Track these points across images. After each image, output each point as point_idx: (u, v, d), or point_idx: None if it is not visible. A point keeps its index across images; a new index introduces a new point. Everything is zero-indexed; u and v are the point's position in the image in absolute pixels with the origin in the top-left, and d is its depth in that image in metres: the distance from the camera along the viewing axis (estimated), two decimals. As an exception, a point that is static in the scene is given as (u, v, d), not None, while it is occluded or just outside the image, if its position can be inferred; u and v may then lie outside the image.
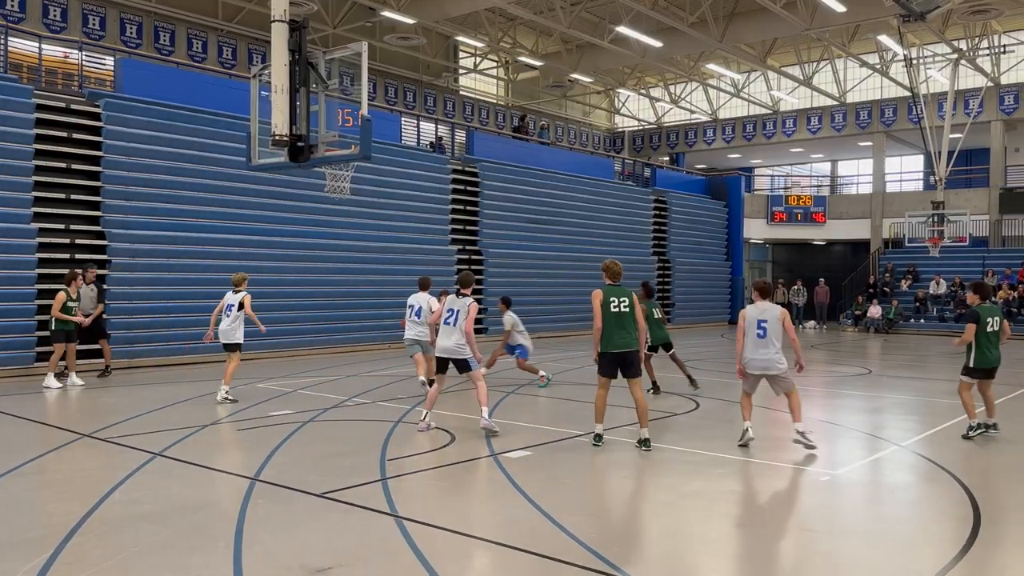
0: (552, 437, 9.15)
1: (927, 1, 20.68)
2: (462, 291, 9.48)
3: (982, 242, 30.63)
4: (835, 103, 33.52)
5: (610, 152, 37.54)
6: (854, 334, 28.15)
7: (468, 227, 23.17)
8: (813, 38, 27.78)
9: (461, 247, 22.50)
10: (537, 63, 29.37)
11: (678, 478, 7.71)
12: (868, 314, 28.73)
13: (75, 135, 15.52)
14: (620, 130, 40.15)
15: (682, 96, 35.88)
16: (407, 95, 30.04)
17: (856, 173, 40.15)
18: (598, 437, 8.65)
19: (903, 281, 30.57)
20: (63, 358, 13.01)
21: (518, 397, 12.32)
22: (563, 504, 6.53)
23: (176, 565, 5.11)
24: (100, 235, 15.64)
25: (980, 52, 28.95)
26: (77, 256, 15.02)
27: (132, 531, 5.76)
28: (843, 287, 32.46)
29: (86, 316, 13.53)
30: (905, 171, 38.16)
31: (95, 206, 15.82)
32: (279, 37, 9.62)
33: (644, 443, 8.45)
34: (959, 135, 27.74)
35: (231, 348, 11.65)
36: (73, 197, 15.55)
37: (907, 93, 28.66)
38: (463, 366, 9.28)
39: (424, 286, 12.61)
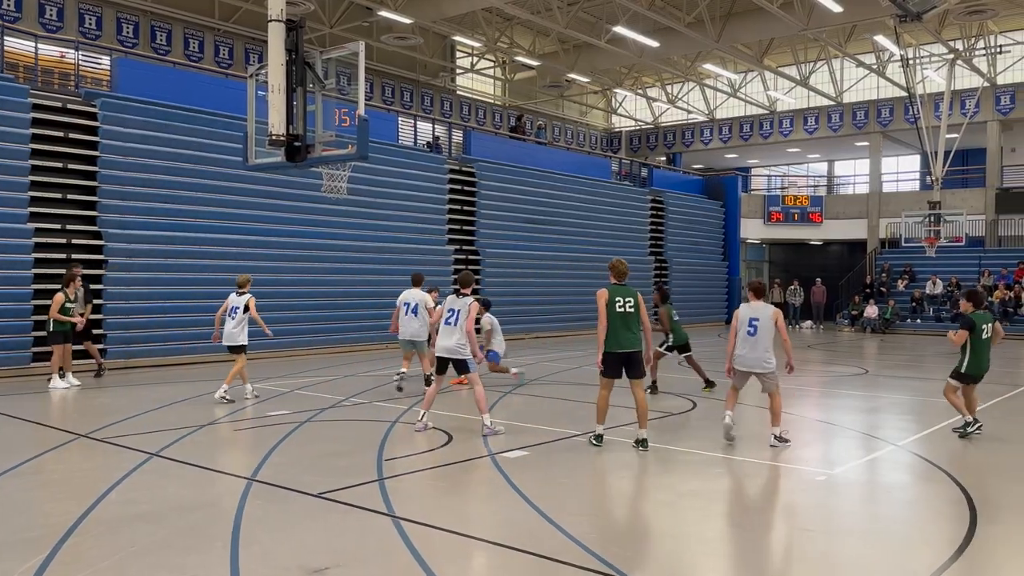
0: (550, 437, 9.15)
1: (923, 1, 20.70)
2: (462, 291, 9.46)
3: (978, 242, 30.69)
4: (832, 103, 33.56)
5: (607, 152, 37.55)
6: (851, 334, 28.19)
7: (465, 227, 23.17)
8: (810, 38, 27.81)
9: (458, 247, 22.50)
10: (534, 63, 29.37)
11: (676, 478, 7.71)
12: (865, 314, 28.78)
13: (71, 135, 15.49)
14: (617, 130, 40.17)
15: (679, 96, 35.90)
16: (404, 95, 30.03)
17: (853, 173, 40.20)
18: (599, 437, 8.63)
19: (899, 281, 30.61)
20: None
21: (515, 397, 12.32)
22: (561, 504, 6.53)
23: (173, 565, 5.11)
24: (96, 235, 15.62)
25: (976, 52, 28.99)
26: (73, 256, 14.98)
27: (129, 531, 5.75)
28: (840, 287, 32.50)
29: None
30: (901, 171, 38.21)
31: (91, 206, 15.79)
32: (276, 37, 9.61)
33: (642, 443, 8.45)
34: (955, 135, 27.79)
35: (236, 350, 11.64)
36: (69, 197, 15.52)
37: (904, 93, 28.72)
38: (462, 367, 9.27)
39: (417, 282, 12.55)
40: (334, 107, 10.24)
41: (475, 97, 33.40)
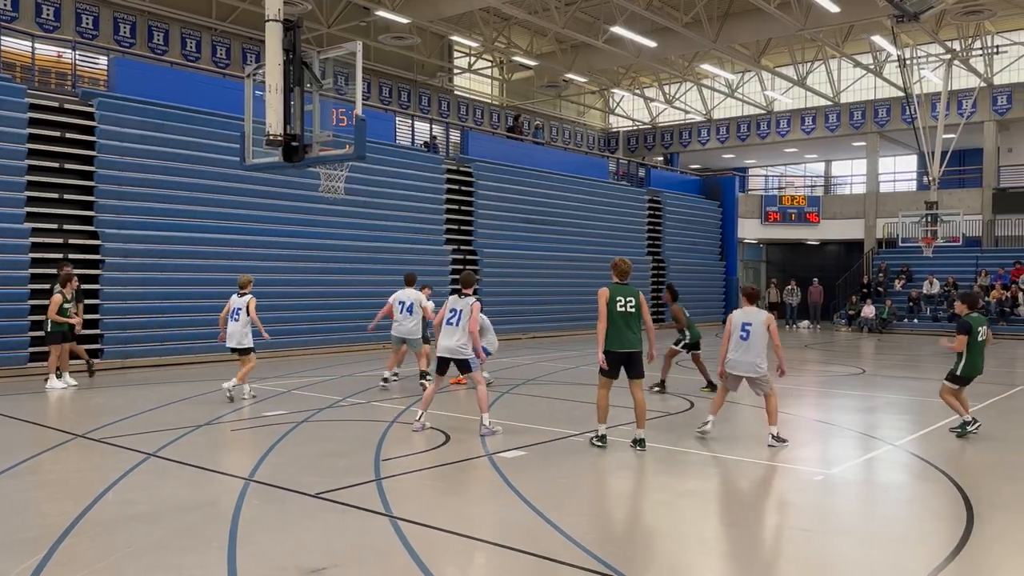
0: (547, 437, 9.15)
1: (920, 1, 20.74)
2: (464, 291, 9.46)
3: (975, 242, 30.74)
4: (829, 103, 33.60)
5: (605, 152, 37.55)
6: (848, 334, 28.22)
7: (463, 227, 23.17)
8: (807, 38, 27.84)
9: (456, 247, 22.50)
10: (532, 63, 29.37)
11: (673, 478, 7.72)
12: (862, 314, 28.81)
13: (68, 135, 15.47)
14: (615, 130, 40.19)
15: (676, 96, 35.92)
16: (401, 95, 30.02)
17: (850, 173, 40.23)
18: (602, 438, 8.56)
19: (897, 281, 30.65)
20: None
21: (513, 397, 12.32)
22: (558, 504, 6.53)
23: (170, 566, 5.10)
24: (93, 235, 15.60)
25: (973, 52, 29.03)
26: (70, 256, 14.97)
27: (126, 532, 5.74)
28: (837, 287, 32.54)
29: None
30: (899, 171, 38.25)
31: (88, 206, 15.77)
32: (273, 36, 9.60)
33: (639, 443, 8.45)
34: (952, 135, 27.84)
35: (243, 352, 11.63)
36: (66, 197, 15.51)
37: (901, 93, 28.76)
38: (464, 366, 9.28)
39: (410, 282, 12.77)
40: (331, 107, 10.24)
41: (472, 97, 33.40)
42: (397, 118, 25.04)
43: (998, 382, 14.13)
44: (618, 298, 8.39)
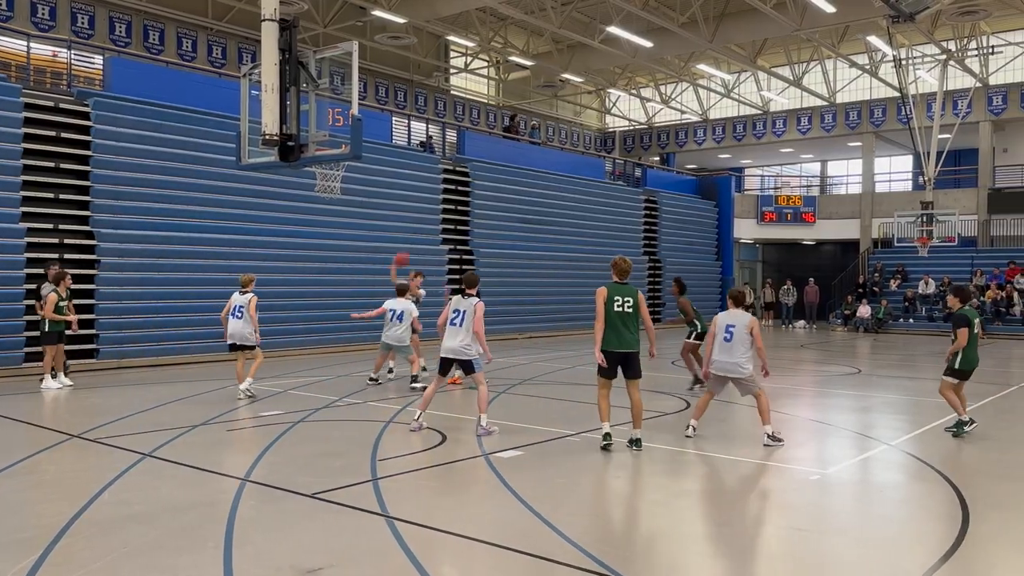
0: (544, 437, 9.15)
1: (916, 2, 20.78)
2: (467, 291, 9.46)
3: (971, 242, 30.80)
4: (825, 103, 33.64)
5: (601, 152, 37.56)
6: (843, 334, 28.27)
7: (459, 227, 23.17)
8: (803, 39, 27.86)
9: (452, 247, 22.49)
10: (528, 63, 29.37)
11: (670, 478, 7.73)
12: (857, 314, 28.85)
13: (64, 134, 15.44)
14: (611, 130, 40.19)
15: (672, 96, 35.94)
16: (398, 94, 30.01)
17: (846, 173, 40.28)
18: (607, 436, 8.43)
19: (892, 281, 30.70)
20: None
21: (509, 397, 12.33)
22: (555, 504, 6.53)
23: (165, 566, 5.10)
24: (89, 235, 15.57)
25: (969, 53, 29.09)
26: (66, 256, 14.95)
27: (121, 532, 5.73)
28: (832, 287, 32.58)
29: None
30: (894, 171, 38.31)
31: (84, 206, 15.74)
32: (269, 36, 9.59)
33: (635, 443, 8.45)
34: (948, 135, 27.88)
35: (249, 348, 11.67)
36: (62, 197, 15.47)
37: (896, 94, 28.79)
38: (468, 367, 9.27)
39: (401, 292, 13.07)
40: (327, 107, 10.22)
41: (469, 97, 33.39)
42: (393, 118, 25.03)
43: (993, 381, 14.16)
44: (615, 298, 8.38)
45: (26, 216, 14.84)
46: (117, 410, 10.70)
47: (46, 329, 12.77)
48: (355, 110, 9.53)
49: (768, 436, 8.71)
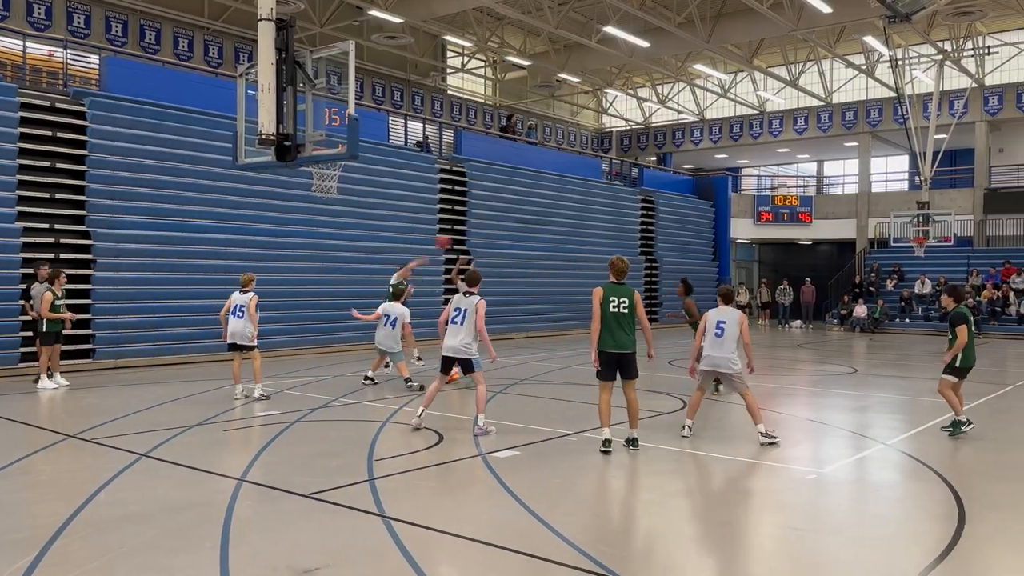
0: (540, 437, 9.15)
1: (912, 2, 20.82)
2: (469, 290, 9.45)
3: (967, 242, 30.85)
4: (821, 104, 33.68)
5: (598, 152, 37.58)
6: (840, 333, 28.30)
7: (456, 227, 23.16)
8: (799, 39, 27.91)
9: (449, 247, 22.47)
10: (525, 63, 29.37)
11: (666, 477, 7.74)
12: (854, 314, 28.89)
13: (60, 134, 15.40)
14: (608, 130, 40.21)
15: (669, 96, 35.95)
16: (394, 94, 29.99)
17: (842, 173, 40.35)
18: (607, 442, 8.37)
19: (888, 281, 30.74)
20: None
21: (506, 397, 12.33)
22: (551, 504, 6.54)
23: (161, 566, 5.09)
24: (85, 235, 15.54)
25: (965, 53, 29.14)
26: (62, 256, 14.92)
27: (117, 532, 5.73)
28: (829, 287, 32.62)
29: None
30: (890, 171, 38.39)
31: (80, 205, 15.71)
32: (266, 36, 9.58)
33: (632, 443, 8.46)
34: (944, 136, 27.93)
35: (248, 349, 11.65)
36: (58, 196, 15.44)
37: (892, 94, 28.83)
38: (468, 366, 9.27)
39: (397, 297, 13.27)
40: (324, 106, 10.22)
41: (466, 97, 33.38)
42: (390, 118, 25.04)
43: (990, 381, 14.19)
44: (611, 298, 8.38)
45: (22, 216, 14.81)
46: (113, 410, 10.68)
47: (44, 329, 12.75)
48: (352, 110, 9.53)
49: (762, 435, 8.73)
